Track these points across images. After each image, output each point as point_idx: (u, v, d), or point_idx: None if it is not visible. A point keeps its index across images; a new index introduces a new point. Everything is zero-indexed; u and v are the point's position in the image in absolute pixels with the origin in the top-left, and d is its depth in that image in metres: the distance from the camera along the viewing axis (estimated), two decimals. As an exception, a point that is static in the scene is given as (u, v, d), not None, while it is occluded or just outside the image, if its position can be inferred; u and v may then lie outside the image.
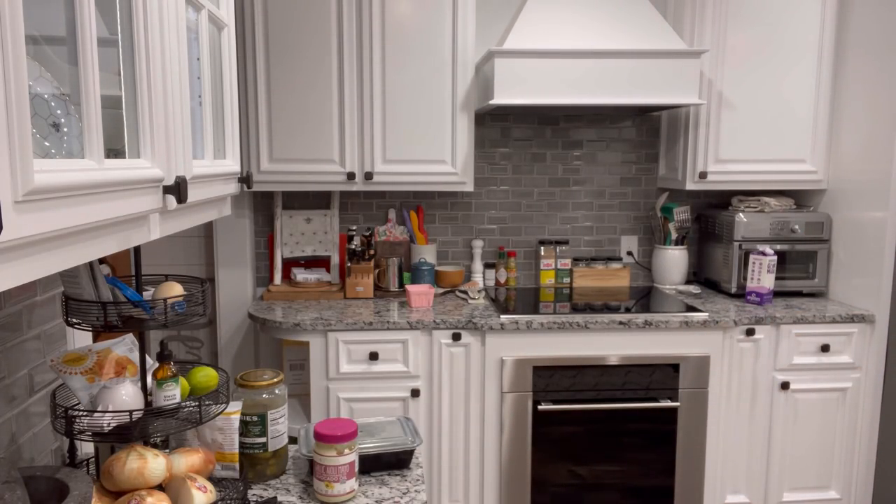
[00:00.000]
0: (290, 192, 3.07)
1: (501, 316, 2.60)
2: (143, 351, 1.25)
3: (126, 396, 1.15)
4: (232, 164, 1.48)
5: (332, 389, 2.58)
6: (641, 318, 2.61)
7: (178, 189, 1.01)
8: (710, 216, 3.18)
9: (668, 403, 2.63)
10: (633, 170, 3.27)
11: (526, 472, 2.64)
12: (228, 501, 1.26)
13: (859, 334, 2.74)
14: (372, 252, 2.95)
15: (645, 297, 2.95)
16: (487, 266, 3.23)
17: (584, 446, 2.66)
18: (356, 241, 2.93)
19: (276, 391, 1.44)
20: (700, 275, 3.31)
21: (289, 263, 3.11)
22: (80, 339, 1.51)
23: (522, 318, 2.58)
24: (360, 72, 2.74)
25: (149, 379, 1.24)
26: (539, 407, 2.59)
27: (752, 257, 2.90)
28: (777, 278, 2.93)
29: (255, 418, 1.40)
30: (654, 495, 2.70)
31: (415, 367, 2.60)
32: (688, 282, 3.33)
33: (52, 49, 0.84)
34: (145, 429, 1.17)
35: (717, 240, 3.09)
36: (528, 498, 2.65)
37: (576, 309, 2.72)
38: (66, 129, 0.81)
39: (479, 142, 3.18)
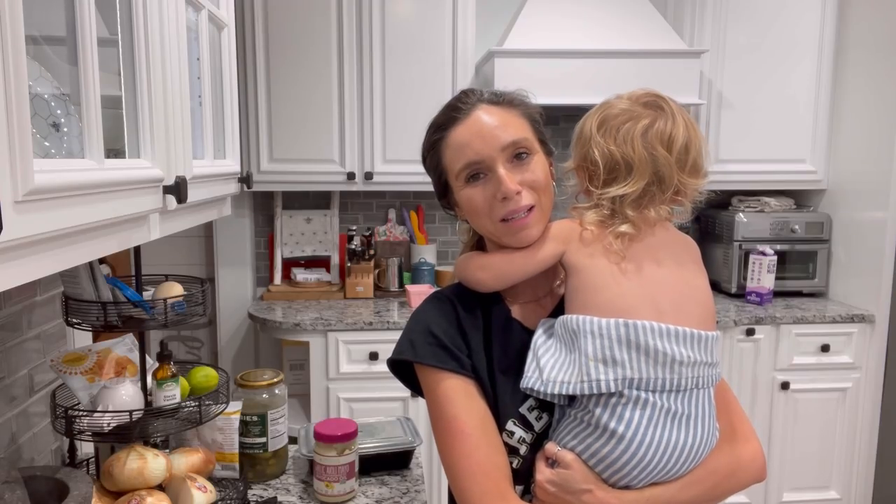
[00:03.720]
0: (290, 192, 3.07)
1: (501, 316, 2.60)
2: (143, 351, 1.25)
3: (126, 396, 1.15)
4: (232, 164, 1.48)
5: (332, 389, 2.58)
6: (641, 318, 2.61)
7: (178, 189, 1.01)
8: (709, 216, 3.17)
9: (668, 403, 2.62)
10: (633, 170, 3.27)
11: (526, 472, 2.63)
12: (228, 501, 1.26)
13: (859, 334, 2.74)
14: (372, 252, 2.95)
15: (645, 297, 2.94)
16: (487, 266, 3.22)
17: (584, 446, 2.65)
18: (356, 241, 2.93)
19: (276, 391, 1.44)
20: (700, 275, 3.30)
21: (289, 263, 3.11)
22: (80, 339, 1.51)
23: (522, 318, 2.58)
24: (360, 72, 2.74)
25: (149, 379, 1.24)
26: (539, 407, 2.58)
27: (752, 257, 2.90)
28: (777, 278, 2.93)
29: (255, 418, 1.40)
30: (654, 495, 2.70)
31: (415, 367, 2.59)
32: (688, 282, 3.33)
33: (52, 49, 0.84)
34: (145, 429, 1.17)
35: (717, 240, 3.09)
36: (528, 498, 2.65)
37: (576, 309, 2.71)
38: (66, 129, 0.81)
39: (479, 142, 3.17)
